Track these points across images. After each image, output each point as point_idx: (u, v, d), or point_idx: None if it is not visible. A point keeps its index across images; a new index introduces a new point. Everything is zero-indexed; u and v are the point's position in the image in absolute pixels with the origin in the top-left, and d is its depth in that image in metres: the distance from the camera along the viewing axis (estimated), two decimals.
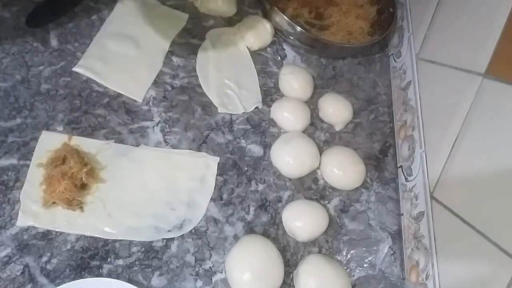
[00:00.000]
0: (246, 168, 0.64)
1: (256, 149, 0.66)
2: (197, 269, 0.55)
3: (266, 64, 0.76)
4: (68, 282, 0.48)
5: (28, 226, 0.51)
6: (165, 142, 0.62)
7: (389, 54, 0.86)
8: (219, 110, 0.67)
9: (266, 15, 0.80)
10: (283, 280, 0.55)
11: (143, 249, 0.54)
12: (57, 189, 0.52)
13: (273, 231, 0.60)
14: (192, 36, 0.73)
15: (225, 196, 0.61)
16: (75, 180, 0.53)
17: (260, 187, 0.63)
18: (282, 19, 0.75)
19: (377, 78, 0.82)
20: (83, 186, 0.54)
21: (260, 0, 0.81)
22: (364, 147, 0.73)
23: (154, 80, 0.66)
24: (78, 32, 0.66)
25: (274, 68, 0.76)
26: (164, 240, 0.55)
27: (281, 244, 0.60)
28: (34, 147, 0.55)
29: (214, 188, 0.61)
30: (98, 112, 0.61)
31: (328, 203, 0.65)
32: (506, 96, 0.49)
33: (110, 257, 0.52)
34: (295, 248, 0.60)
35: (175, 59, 0.70)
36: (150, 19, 0.71)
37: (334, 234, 0.63)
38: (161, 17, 0.73)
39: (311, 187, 0.66)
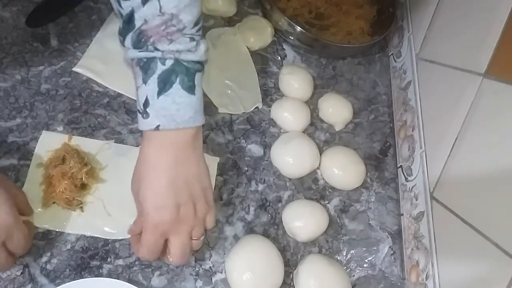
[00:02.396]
0: (246, 168, 0.64)
1: (256, 149, 0.66)
2: (197, 269, 0.55)
3: (266, 64, 0.76)
4: (68, 282, 0.48)
5: None
6: None
7: (389, 54, 0.86)
8: (219, 110, 0.67)
9: (266, 15, 0.80)
10: (283, 280, 0.55)
11: None
12: (57, 189, 0.52)
13: (273, 231, 0.60)
14: None
15: (225, 196, 0.61)
16: (75, 180, 0.53)
17: (260, 187, 0.63)
18: (282, 19, 0.75)
19: (377, 78, 0.82)
20: (83, 186, 0.54)
21: (260, 0, 0.81)
22: (364, 147, 0.73)
23: None
24: (78, 32, 0.66)
25: (274, 68, 0.76)
26: None
27: (281, 244, 0.60)
28: (34, 147, 0.55)
29: (214, 188, 0.61)
30: (98, 112, 0.61)
31: (328, 203, 0.65)
32: (506, 96, 0.49)
33: (110, 257, 0.52)
34: (295, 248, 0.60)
35: None
36: None
37: (334, 234, 0.63)
38: None
39: (311, 187, 0.66)
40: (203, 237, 0.51)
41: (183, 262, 0.50)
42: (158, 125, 0.46)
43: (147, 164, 0.47)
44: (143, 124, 0.47)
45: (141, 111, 0.47)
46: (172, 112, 0.46)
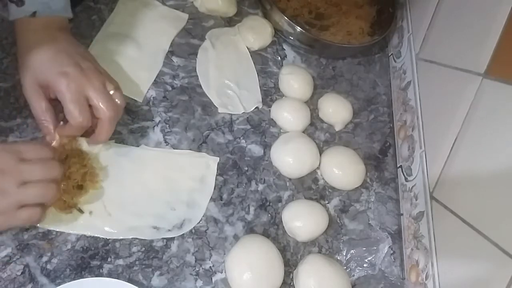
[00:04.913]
0: (246, 168, 0.64)
1: (256, 149, 0.67)
2: (197, 269, 0.55)
3: (266, 64, 0.76)
4: (68, 282, 0.48)
5: (29, 226, 0.51)
6: (165, 142, 0.62)
7: (389, 54, 0.86)
8: (219, 110, 0.67)
9: (266, 15, 0.80)
10: (283, 280, 0.55)
11: (143, 249, 0.54)
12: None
13: (273, 231, 0.61)
14: (192, 36, 0.73)
15: (225, 196, 0.61)
16: (72, 181, 0.52)
17: (260, 187, 0.64)
18: (282, 19, 0.75)
19: (377, 78, 0.83)
20: (80, 187, 0.54)
21: (260, 0, 0.81)
22: (364, 147, 0.73)
23: (154, 80, 0.66)
24: (78, 32, 0.66)
25: (274, 68, 0.76)
26: (164, 240, 0.55)
27: (281, 244, 0.60)
28: None
29: (214, 188, 0.61)
30: None
31: (328, 203, 0.65)
32: (506, 96, 0.49)
33: (111, 256, 0.52)
34: (295, 248, 0.60)
35: (175, 59, 0.70)
36: (150, 19, 0.71)
37: (334, 234, 0.63)
38: (161, 17, 0.73)
39: (311, 187, 0.66)
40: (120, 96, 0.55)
41: (116, 113, 0.53)
42: (35, 12, 0.51)
43: (31, 46, 0.51)
44: (18, 12, 0.52)
45: (14, 0, 0.51)
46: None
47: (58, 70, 0.50)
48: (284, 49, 0.79)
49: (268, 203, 0.63)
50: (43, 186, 0.46)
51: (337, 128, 0.73)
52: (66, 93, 0.50)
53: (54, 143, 0.52)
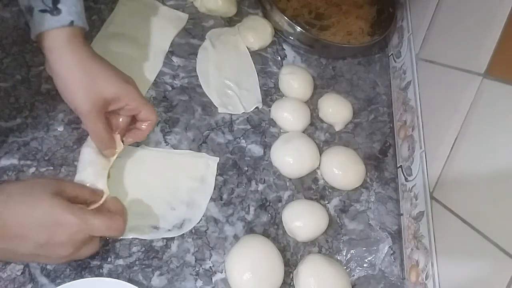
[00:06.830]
0: (246, 168, 0.64)
1: (256, 149, 0.67)
2: (197, 269, 0.55)
3: (266, 64, 0.76)
4: (68, 282, 0.48)
5: None
6: (165, 142, 0.62)
7: (389, 54, 0.86)
8: (219, 110, 0.67)
9: (266, 15, 0.80)
10: (283, 280, 0.55)
11: (143, 249, 0.54)
12: None
13: (273, 231, 0.61)
14: (192, 36, 0.73)
15: (225, 196, 0.61)
16: None
17: (260, 187, 0.64)
18: (282, 19, 0.75)
19: (377, 78, 0.83)
20: None
21: (260, 0, 0.81)
22: (364, 147, 0.73)
23: (154, 80, 0.67)
24: None
25: (274, 68, 0.76)
26: (164, 240, 0.55)
27: (281, 244, 0.60)
28: (35, 147, 0.55)
29: (214, 188, 0.61)
30: None
31: (328, 203, 0.65)
32: (506, 96, 0.49)
33: (111, 256, 0.52)
34: (295, 248, 0.60)
35: (175, 59, 0.70)
36: (150, 19, 0.71)
37: (334, 234, 0.63)
38: (161, 17, 0.73)
39: (311, 187, 0.66)
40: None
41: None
42: (72, 21, 0.49)
43: (80, 62, 0.49)
44: (52, 21, 0.48)
45: (49, 9, 0.48)
46: (79, 10, 0.50)
47: (124, 79, 0.52)
48: (284, 49, 0.79)
49: (268, 203, 0.63)
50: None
51: (337, 128, 0.73)
52: (142, 99, 0.53)
53: (117, 150, 0.53)
